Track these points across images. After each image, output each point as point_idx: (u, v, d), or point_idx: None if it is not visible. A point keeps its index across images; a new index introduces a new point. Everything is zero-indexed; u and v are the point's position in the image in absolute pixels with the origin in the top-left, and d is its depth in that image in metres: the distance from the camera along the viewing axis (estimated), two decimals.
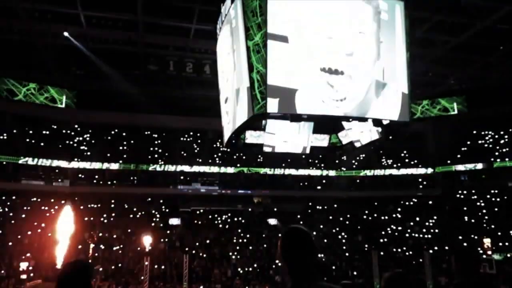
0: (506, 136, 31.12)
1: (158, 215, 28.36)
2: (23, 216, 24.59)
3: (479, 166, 30.94)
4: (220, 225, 28.73)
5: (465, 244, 25.80)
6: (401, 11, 8.17)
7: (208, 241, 26.48)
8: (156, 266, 22.39)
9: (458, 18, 20.27)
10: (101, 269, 20.37)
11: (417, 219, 29.84)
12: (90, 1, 19.01)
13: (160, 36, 22.26)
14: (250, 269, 24.04)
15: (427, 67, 25.92)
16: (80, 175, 28.72)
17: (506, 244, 25.30)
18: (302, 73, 7.16)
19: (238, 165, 31.43)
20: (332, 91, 7.28)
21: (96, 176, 29.03)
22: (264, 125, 7.88)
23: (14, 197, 26.04)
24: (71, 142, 29.35)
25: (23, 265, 20.22)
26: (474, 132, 32.56)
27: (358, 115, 7.59)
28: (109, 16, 20.47)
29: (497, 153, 30.59)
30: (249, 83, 6.92)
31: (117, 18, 20.65)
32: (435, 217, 29.63)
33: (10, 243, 22.43)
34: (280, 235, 2.14)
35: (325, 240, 27.71)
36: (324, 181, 33.17)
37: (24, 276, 19.35)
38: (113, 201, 28.10)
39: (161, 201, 29.68)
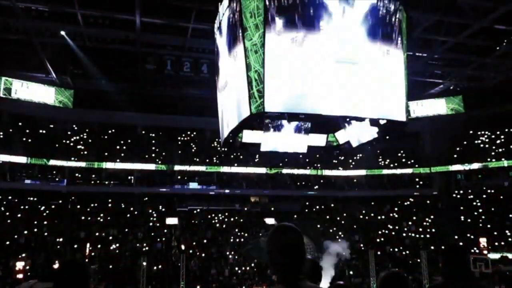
0: (502, 136, 31.25)
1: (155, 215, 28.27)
2: (19, 215, 24.45)
3: (475, 166, 31.01)
4: (217, 225, 28.68)
5: (459, 243, 25.90)
6: (399, 12, 8.19)
7: (205, 241, 26.44)
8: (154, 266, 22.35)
9: (455, 19, 20.33)
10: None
11: (414, 218, 29.93)
12: (87, 0, 18.91)
13: (158, 35, 22.20)
14: (247, 268, 24.04)
15: (424, 67, 26.00)
16: (77, 175, 28.59)
17: (502, 243, 25.45)
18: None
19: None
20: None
21: (93, 176, 28.90)
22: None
23: (10, 197, 25.86)
24: (67, 141, 29.20)
25: (19, 265, 20.10)
26: (471, 132, 32.68)
27: (356, 114, 7.61)
28: (106, 15, 20.38)
29: (493, 153, 30.70)
30: (247, 82, 6.92)
31: (114, 17, 20.57)
32: (431, 217, 29.73)
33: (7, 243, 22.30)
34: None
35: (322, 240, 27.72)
36: (321, 180, 33.15)
37: (20, 276, 19.23)
38: (110, 200, 27.97)
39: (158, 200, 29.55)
